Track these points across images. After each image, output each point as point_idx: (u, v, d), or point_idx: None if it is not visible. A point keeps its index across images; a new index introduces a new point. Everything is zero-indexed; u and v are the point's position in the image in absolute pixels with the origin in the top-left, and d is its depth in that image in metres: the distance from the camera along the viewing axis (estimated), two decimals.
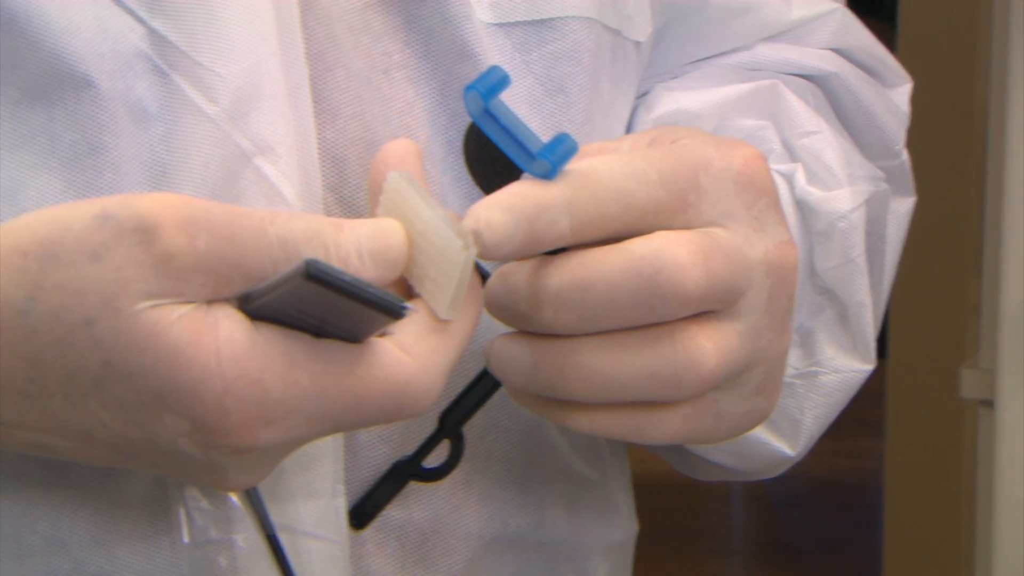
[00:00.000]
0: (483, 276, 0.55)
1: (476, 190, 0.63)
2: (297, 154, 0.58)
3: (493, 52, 0.62)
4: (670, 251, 0.52)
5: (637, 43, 0.67)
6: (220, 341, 0.49)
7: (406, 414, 0.51)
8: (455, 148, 0.63)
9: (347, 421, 0.51)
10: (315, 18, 0.60)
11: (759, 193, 0.55)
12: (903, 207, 0.76)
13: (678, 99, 0.68)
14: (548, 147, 0.52)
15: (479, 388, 0.61)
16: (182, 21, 0.56)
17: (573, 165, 0.53)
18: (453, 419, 0.60)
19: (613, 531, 0.70)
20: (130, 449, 0.51)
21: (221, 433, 0.49)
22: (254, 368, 0.49)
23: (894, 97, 0.75)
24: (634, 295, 0.52)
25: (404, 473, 0.60)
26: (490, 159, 0.57)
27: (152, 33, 0.56)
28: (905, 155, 0.76)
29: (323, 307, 0.49)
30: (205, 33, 0.56)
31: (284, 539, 0.58)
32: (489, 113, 0.53)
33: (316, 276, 0.47)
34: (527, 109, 0.63)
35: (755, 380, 0.56)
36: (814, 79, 0.73)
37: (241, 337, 0.49)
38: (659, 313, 0.52)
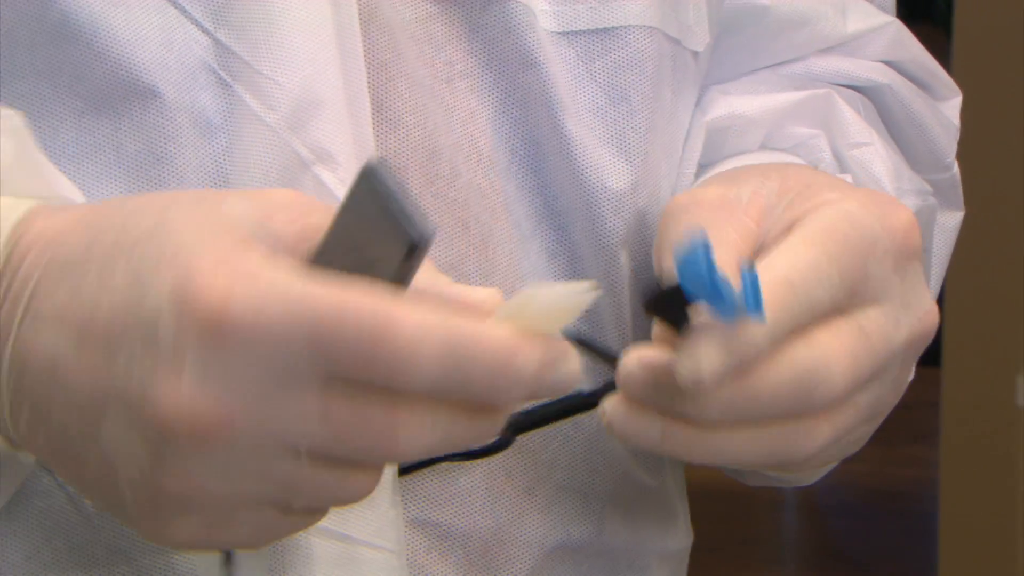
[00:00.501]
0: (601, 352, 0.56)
1: (539, 200, 0.63)
2: (356, 162, 0.58)
3: (556, 61, 0.63)
4: (828, 364, 0.55)
5: (696, 53, 0.67)
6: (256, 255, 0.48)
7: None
8: (518, 156, 0.63)
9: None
10: (377, 28, 0.60)
11: (912, 260, 0.58)
12: (951, 221, 0.76)
13: (732, 103, 0.68)
14: (754, 299, 0.51)
15: (562, 406, 0.61)
16: (245, 32, 0.57)
17: (766, 274, 0.54)
18: (519, 425, 0.60)
19: (671, 539, 0.70)
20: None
21: (197, 287, 0.47)
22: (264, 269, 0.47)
23: (945, 110, 0.76)
24: (791, 404, 0.55)
25: None
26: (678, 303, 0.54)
27: (217, 44, 0.57)
28: (955, 168, 0.76)
29: (367, 226, 0.48)
30: (267, 43, 0.57)
31: (340, 548, 0.58)
32: (703, 277, 0.51)
33: (371, 172, 0.47)
34: (591, 118, 0.63)
35: (866, 426, 0.60)
36: (866, 91, 0.73)
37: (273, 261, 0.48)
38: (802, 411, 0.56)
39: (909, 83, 0.74)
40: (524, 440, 0.62)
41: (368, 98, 0.59)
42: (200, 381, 0.47)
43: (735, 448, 0.55)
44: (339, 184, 0.58)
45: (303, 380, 0.47)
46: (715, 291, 0.50)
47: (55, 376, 0.49)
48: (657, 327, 0.56)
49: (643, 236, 0.66)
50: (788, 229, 0.58)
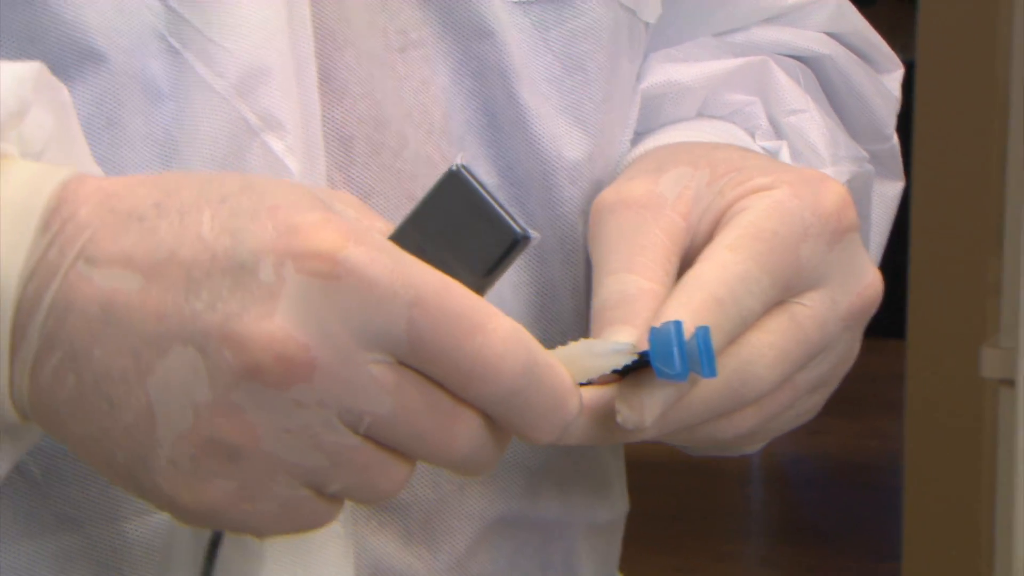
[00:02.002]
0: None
1: (495, 171, 0.63)
2: (304, 130, 0.58)
3: (512, 30, 0.62)
4: (755, 364, 0.56)
5: (647, 24, 0.68)
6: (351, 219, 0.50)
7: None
8: (473, 127, 0.63)
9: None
10: None
11: (847, 235, 0.58)
12: (892, 191, 0.77)
13: (668, 71, 0.69)
14: (708, 359, 0.53)
15: None
16: None
17: (695, 292, 0.55)
18: None
19: (602, 510, 0.70)
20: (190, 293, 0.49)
21: (308, 235, 0.48)
22: (373, 241, 0.49)
23: (886, 83, 0.76)
24: (721, 408, 0.56)
25: None
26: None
27: (168, 10, 0.57)
28: (895, 139, 0.76)
29: (454, 224, 0.49)
30: (217, 10, 0.57)
31: None
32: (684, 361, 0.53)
33: (464, 172, 0.49)
34: (546, 87, 0.63)
35: (817, 395, 0.61)
36: (807, 61, 0.73)
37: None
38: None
39: (850, 54, 0.74)
40: None
41: (315, 66, 0.59)
42: (293, 319, 0.47)
43: (664, 439, 0.58)
44: (287, 152, 0.58)
45: (390, 346, 0.48)
46: (682, 371, 0.53)
47: (109, 315, 0.49)
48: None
49: None
50: (718, 221, 0.58)
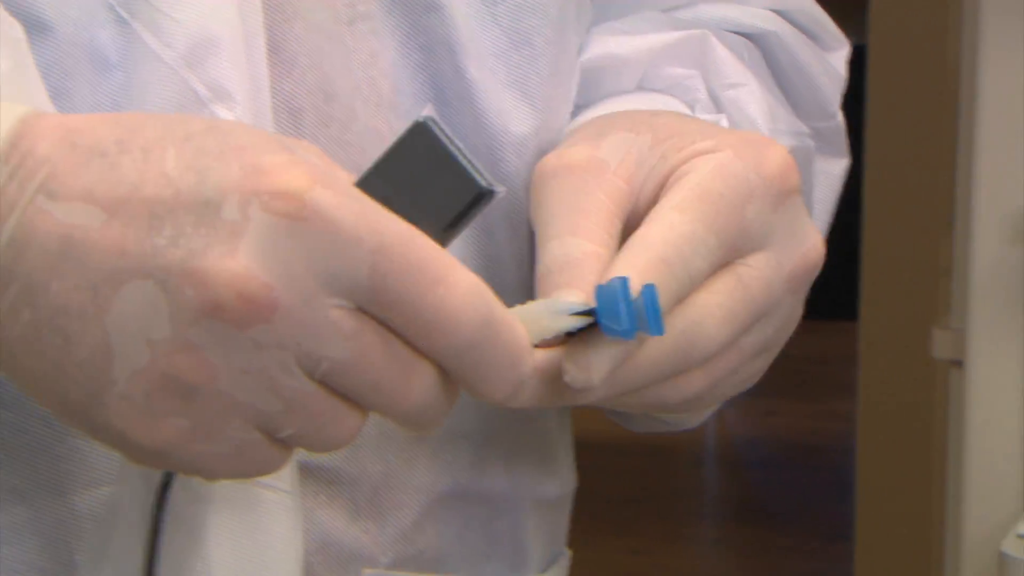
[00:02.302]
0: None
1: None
2: (252, 101, 0.58)
3: (459, 4, 0.63)
4: (703, 324, 0.56)
5: None
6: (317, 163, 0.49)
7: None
8: (420, 100, 0.63)
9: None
10: None
11: (791, 197, 0.58)
12: (837, 168, 0.77)
13: (608, 43, 0.69)
14: (655, 318, 0.53)
15: None
16: None
17: (642, 253, 0.55)
18: None
19: (550, 485, 0.71)
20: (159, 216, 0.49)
21: (274, 175, 0.47)
22: (337, 183, 0.48)
23: (832, 61, 0.76)
24: (669, 370, 0.56)
25: None
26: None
27: None
28: (840, 116, 0.77)
29: (418, 175, 0.49)
30: None
31: (236, 489, 0.58)
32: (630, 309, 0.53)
33: (431, 123, 0.49)
34: (493, 61, 0.63)
35: (760, 360, 0.61)
36: (753, 38, 0.74)
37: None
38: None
39: (796, 31, 0.75)
40: None
41: (264, 38, 0.59)
42: (257, 258, 0.47)
43: (614, 404, 0.57)
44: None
45: (351, 291, 0.48)
46: (629, 327, 0.52)
47: (69, 250, 0.48)
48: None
49: None
50: (662, 185, 0.58)
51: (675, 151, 0.59)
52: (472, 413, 0.65)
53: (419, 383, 0.49)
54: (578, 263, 0.56)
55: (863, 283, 2.47)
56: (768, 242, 0.58)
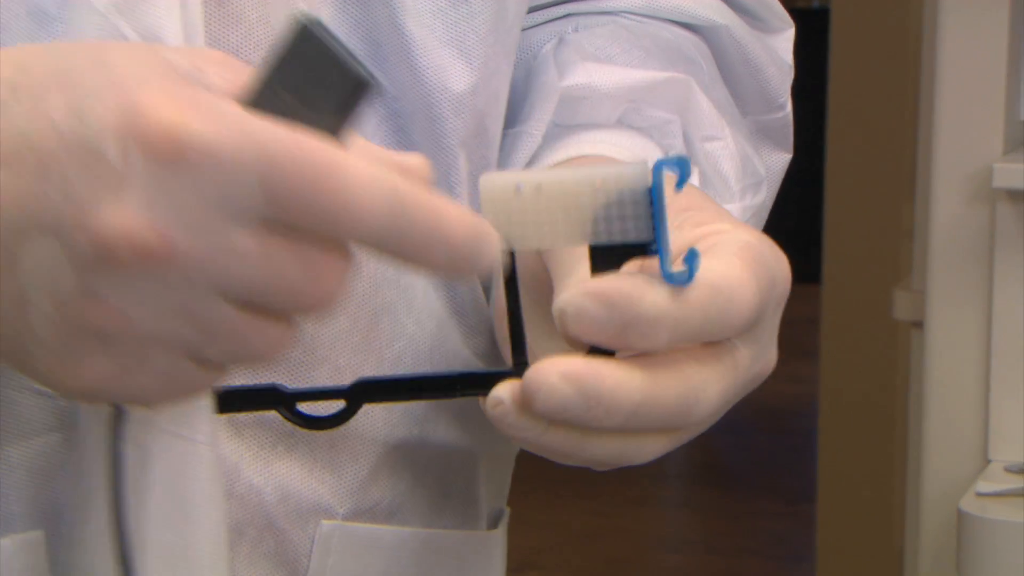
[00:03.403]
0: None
1: (379, 101, 0.63)
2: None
3: None
4: (707, 391, 0.53)
5: None
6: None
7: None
8: (358, 56, 0.63)
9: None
10: None
11: (781, 307, 0.57)
12: (779, 163, 0.77)
13: (590, 72, 0.68)
14: (689, 259, 0.51)
15: (415, 383, 0.58)
16: None
17: (706, 272, 0.52)
18: (368, 395, 0.57)
19: (500, 441, 0.70)
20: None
21: (149, 114, 0.47)
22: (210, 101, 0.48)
23: (778, 43, 0.76)
24: (671, 421, 0.53)
25: (276, 402, 0.57)
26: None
27: None
28: (788, 108, 0.77)
29: (302, 76, 0.49)
30: None
31: (175, 444, 0.58)
32: (654, 196, 0.51)
33: (309, 24, 0.49)
34: (431, 18, 0.63)
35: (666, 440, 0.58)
36: (703, 30, 0.74)
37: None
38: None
39: (745, 24, 0.75)
40: (370, 338, 0.63)
41: None
42: (145, 203, 0.47)
43: (596, 451, 0.54)
44: None
45: (250, 213, 0.47)
46: (657, 218, 0.51)
47: None
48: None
49: (482, 138, 0.66)
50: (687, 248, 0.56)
51: (693, 224, 0.57)
52: (427, 367, 0.65)
53: (336, 277, 0.49)
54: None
55: (826, 246, 2.48)
56: (758, 338, 0.56)
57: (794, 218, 3.80)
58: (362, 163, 0.48)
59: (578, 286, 0.51)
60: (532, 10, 0.72)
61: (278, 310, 0.49)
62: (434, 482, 0.67)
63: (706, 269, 0.52)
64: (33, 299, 0.48)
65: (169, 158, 0.47)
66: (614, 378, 0.51)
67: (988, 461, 1.70)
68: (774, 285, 0.55)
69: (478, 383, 0.54)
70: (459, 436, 0.68)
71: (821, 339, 2.48)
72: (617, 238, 0.52)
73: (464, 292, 0.66)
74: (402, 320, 0.64)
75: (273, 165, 0.47)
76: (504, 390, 0.53)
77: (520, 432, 0.53)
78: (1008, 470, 1.66)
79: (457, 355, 0.66)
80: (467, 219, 0.49)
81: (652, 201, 0.52)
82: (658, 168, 0.51)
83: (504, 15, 0.66)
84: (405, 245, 0.49)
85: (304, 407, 0.57)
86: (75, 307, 0.48)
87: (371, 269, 0.63)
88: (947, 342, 1.72)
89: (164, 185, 0.47)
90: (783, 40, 0.77)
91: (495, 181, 0.52)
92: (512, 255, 0.53)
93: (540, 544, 3.29)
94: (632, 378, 0.52)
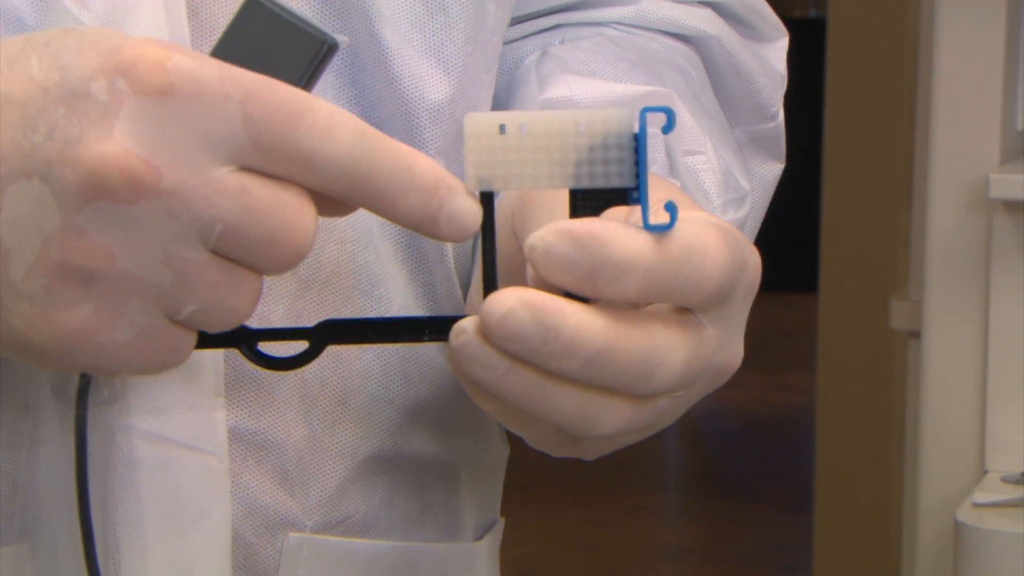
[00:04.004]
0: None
1: (357, 111, 0.63)
2: None
3: None
4: (672, 357, 0.52)
5: None
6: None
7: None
8: (335, 66, 0.62)
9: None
10: None
11: (750, 298, 0.56)
12: (771, 173, 0.76)
13: (571, 85, 0.68)
14: (669, 208, 0.50)
15: (383, 326, 0.57)
16: None
17: (682, 229, 0.51)
18: (333, 335, 0.56)
19: (484, 451, 0.70)
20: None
21: (134, 52, 0.49)
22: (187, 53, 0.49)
23: (772, 52, 0.76)
24: (631, 379, 0.52)
25: (237, 339, 0.56)
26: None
27: None
28: (780, 118, 0.76)
29: (261, 49, 0.51)
30: None
31: (159, 451, 0.58)
32: (638, 140, 0.51)
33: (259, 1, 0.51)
34: (408, 28, 0.63)
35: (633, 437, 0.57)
36: (694, 40, 0.73)
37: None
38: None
39: (735, 34, 0.74)
40: (338, 350, 0.63)
41: (184, 1, 0.59)
42: (134, 135, 0.48)
43: (557, 403, 0.53)
44: None
45: (232, 148, 0.49)
46: (641, 164, 0.51)
47: None
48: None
49: (460, 147, 0.65)
50: None
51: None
52: (398, 379, 0.65)
53: (307, 229, 0.50)
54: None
55: (823, 255, 2.48)
56: (725, 323, 0.54)
57: (791, 227, 3.81)
58: (328, 104, 0.50)
59: (550, 224, 0.51)
60: (520, 20, 0.72)
61: (250, 262, 0.50)
62: (411, 495, 0.67)
63: (683, 227, 0.52)
64: (13, 249, 0.49)
65: (157, 89, 0.48)
66: (577, 317, 0.50)
67: (985, 471, 1.70)
68: (745, 267, 0.54)
69: (446, 328, 0.53)
70: (437, 448, 0.67)
71: (818, 349, 2.48)
72: (599, 182, 0.52)
73: (443, 295, 0.66)
74: None
75: (254, 102, 0.49)
76: (468, 321, 0.51)
77: (481, 368, 0.51)
78: (1005, 480, 1.66)
79: (431, 364, 0.66)
80: (438, 169, 0.50)
81: (637, 147, 0.51)
82: (644, 114, 0.51)
83: (483, 24, 0.65)
84: (374, 186, 0.50)
85: (267, 348, 0.56)
86: (58, 246, 0.49)
87: (343, 282, 0.63)
88: (944, 352, 1.72)
89: (152, 117, 0.48)
90: (776, 50, 0.77)
91: (479, 120, 0.52)
92: (491, 199, 0.53)
93: (537, 553, 3.29)
94: (595, 321, 0.51)
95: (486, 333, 0.51)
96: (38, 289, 0.49)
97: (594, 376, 0.52)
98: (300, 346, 0.55)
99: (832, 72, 2.43)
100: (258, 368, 0.56)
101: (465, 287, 0.67)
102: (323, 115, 0.49)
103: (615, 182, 0.51)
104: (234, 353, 0.57)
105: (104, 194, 0.48)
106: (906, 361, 2.00)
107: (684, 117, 0.69)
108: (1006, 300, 1.68)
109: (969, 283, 1.70)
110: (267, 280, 0.55)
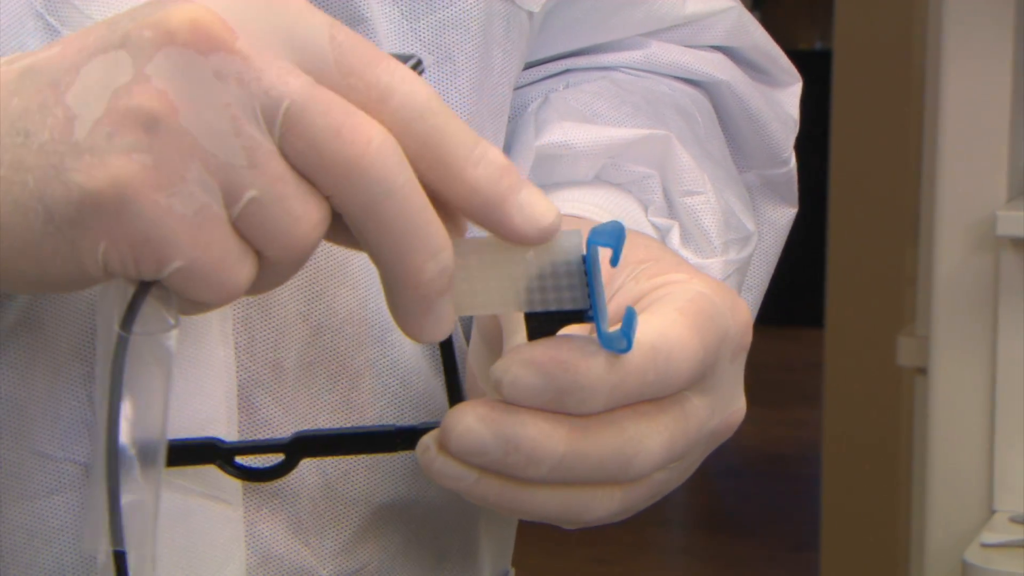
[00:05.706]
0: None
1: None
2: None
3: (381, 19, 0.62)
4: (648, 441, 0.53)
5: (531, 13, 0.67)
6: None
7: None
8: None
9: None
10: None
11: (742, 355, 0.56)
12: (783, 218, 0.76)
13: (567, 131, 0.68)
14: (627, 322, 0.51)
15: (362, 438, 0.58)
16: None
17: (645, 332, 0.52)
18: (306, 449, 0.57)
19: None
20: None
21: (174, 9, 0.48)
22: None
23: (785, 97, 0.76)
24: (609, 473, 0.53)
25: (213, 456, 0.57)
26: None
27: None
28: (793, 163, 0.76)
29: None
30: None
31: (176, 500, 0.58)
32: (588, 266, 0.51)
33: None
34: None
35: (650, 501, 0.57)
36: (704, 85, 0.73)
37: None
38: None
39: (747, 78, 0.74)
40: (351, 397, 0.62)
41: None
42: (220, 7, 0.49)
43: (536, 504, 0.53)
44: None
45: (312, 59, 0.49)
46: (598, 294, 0.51)
47: (28, 72, 0.49)
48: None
49: None
50: (638, 302, 0.56)
51: (648, 276, 0.57)
52: (408, 421, 0.64)
53: (378, 137, 0.48)
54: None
55: (829, 291, 2.48)
56: (714, 389, 0.55)
57: (798, 263, 3.80)
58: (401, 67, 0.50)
59: (513, 353, 0.51)
60: (531, 66, 0.71)
61: (319, 153, 0.48)
62: (428, 542, 0.66)
63: (645, 329, 0.52)
64: (81, 113, 0.48)
65: None
66: (537, 427, 0.51)
67: (993, 511, 1.69)
68: (724, 338, 0.54)
69: (416, 437, 0.54)
70: (453, 495, 0.67)
71: (824, 384, 2.47)
72: (552, 306, 0.52)
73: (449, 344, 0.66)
74: (385, 379, 0.63)
75: (341, 29, 0.50)
76: (430, 436, 0.52)
77: (450, 480, 0.52)
78: (1013, 520, 1.65)
79: (445, 410, 0.65)
80: (508, 159, 0.50)
81: (587, 271, 0.51)
82: (591, 242, 0.51)
83: (489, 73, 0.65)
84: (446, 144, 0.49)
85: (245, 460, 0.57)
86: (126, 94, 0.48)
87: (355, 328, 0.62)
88: (951, 389, 1.71)
89: (240, 9, 0.49)
90: (789, 95, 0.76)
91: None
92: None
93: None
94: (556, 428, 0.51)
95: (447, 449, 0.52)
96: (101, 138, 0.48)
97: (566, 477, 0.52)
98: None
99: (838, 106, 2.43)
100: (238, 481, 0.57)
101: (469, 334, 0.67)
102: (404, 68, 0.49)
103: (568, 305, 0.52)
104: (248, 400, 0.57)
105: (176, 39, 0.48)
106: (913, 398, 1.99)
107: (683, 159, 0.69)
108: (1014, 337, 1.67)
109: (976, 320, 1.70)
110: (279, 325, 0.54)
